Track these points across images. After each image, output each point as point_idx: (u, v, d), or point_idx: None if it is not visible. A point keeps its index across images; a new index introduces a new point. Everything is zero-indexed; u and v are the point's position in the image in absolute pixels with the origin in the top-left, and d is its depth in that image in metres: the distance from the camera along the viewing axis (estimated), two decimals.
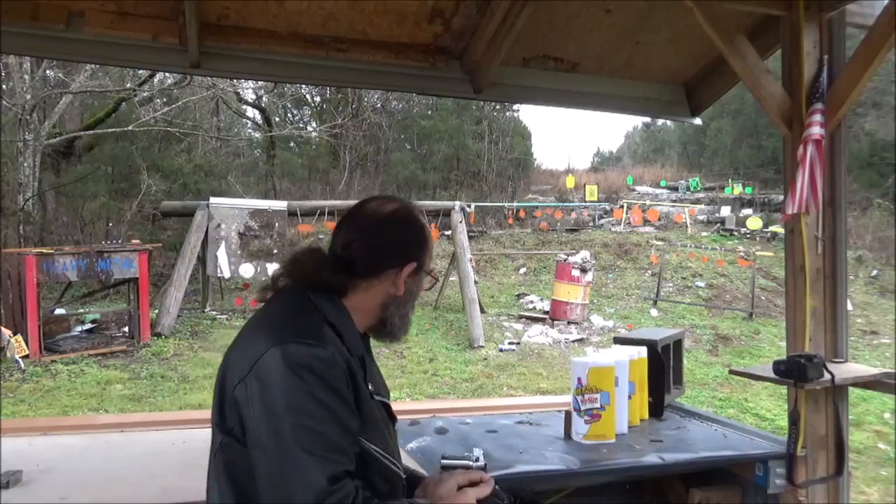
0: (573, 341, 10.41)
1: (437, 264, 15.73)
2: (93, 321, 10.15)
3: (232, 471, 1.24)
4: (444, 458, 1.99)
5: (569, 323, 11.31)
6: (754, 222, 17.27)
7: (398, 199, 1.45)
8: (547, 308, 12.03)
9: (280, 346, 1.19)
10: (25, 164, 13.34)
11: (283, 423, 1.15)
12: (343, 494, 1.13)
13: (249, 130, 22.93)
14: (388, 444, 1.34)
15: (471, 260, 11.52)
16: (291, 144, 22.80)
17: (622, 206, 18.69)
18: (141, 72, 14.63)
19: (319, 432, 1.16)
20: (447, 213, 11.74)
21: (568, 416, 2.40)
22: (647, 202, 20.14)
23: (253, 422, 1.18)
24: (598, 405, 2.31)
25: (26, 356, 8.29)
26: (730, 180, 21.02)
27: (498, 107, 23.09)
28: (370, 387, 1.32)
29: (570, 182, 21.21)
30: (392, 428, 1.43)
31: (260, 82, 17.17)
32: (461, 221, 11.60)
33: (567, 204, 19.94)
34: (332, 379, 1.19)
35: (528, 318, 11.81)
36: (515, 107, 23.64)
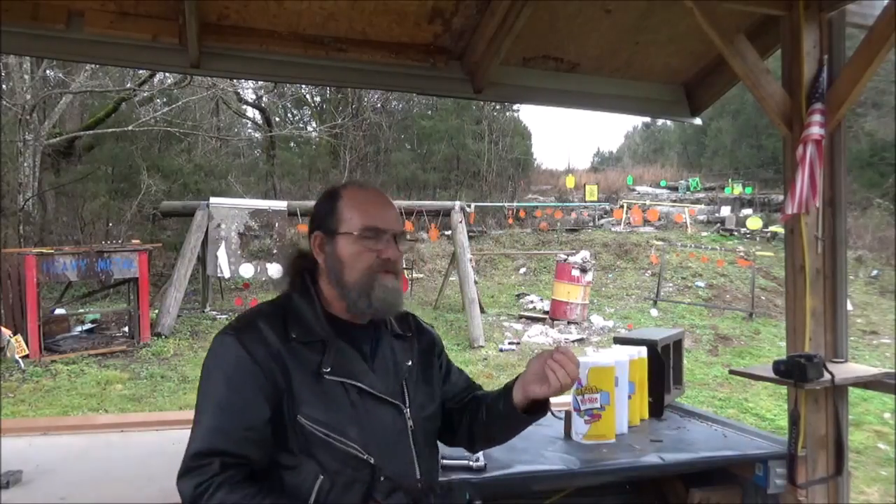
0: (573, 341, 10.41)
1: (437, 264, 15.76)
2: (93, 321, 10.16)
3: None
4: (443, 458, 1.99)
5: (569, 323, 11.31)
6: (754, 222, 17.27)
7: (337, 184, 1.57)
8: (547, 308, 12.03)
9: (219, 335, 1.39)
10: (25, 164, 13.33)
11: (197, 397, 1.36)
12: (201, 472, 1.26)
13: (249, 130, 22.94)
14: (347, 423, 1.36)
15: (471, 260, 11.52)
16: (291, 144, 22.79)
17: (622, 206, 18.69)
18: (141, 72, 14.63)
19: (203, 412, 1.33)
20: (447, 213, 11.74)
21: (568, 416, 2.40)
22: (647, 202, 20.14)
23: None
24: (598, 405, 2.31)
25: (26, 356, 8.29)
26: (730, 180, 21.02)
27: (498, 107, 23.09)
28: (326, 368, 1.37)
29: (570, 182, 21.20)
30: (382, 410, 1.42)
31: (260, 82, 17.18)
32: (461, 221, 11.59)
33: (567, 204, 19.94)
34: (232, 369, 1.33)
35: (528, 318, 11.81)
36: (515, 107, 23.66)
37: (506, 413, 1.51)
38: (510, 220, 17.80)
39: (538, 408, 1.50)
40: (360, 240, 1.42)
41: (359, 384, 1.39)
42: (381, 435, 1.39)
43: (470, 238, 13.24)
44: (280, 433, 1.34)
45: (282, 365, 1.34)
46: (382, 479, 1.35)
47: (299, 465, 1.33)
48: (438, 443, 1.63)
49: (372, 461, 1.36)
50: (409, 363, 1.52)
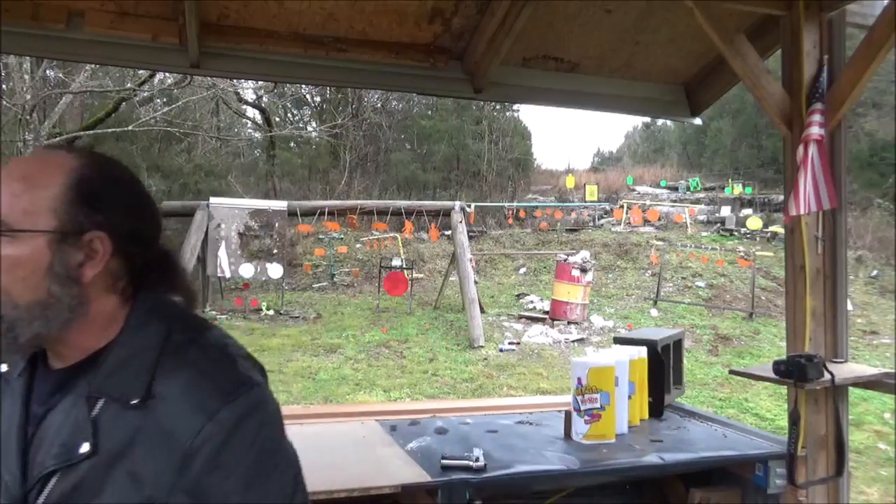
0: (573, 341, 10.41)
1: (437, 264, 15.75)
2: None
3: None
4: (444, 457, 2.00)
5: (569, 323, 11.31)
6: (754, 222, 17.27)
7: None
8: (547, 308, 12.03)
9: None
10: None
11: None
12: None
13: (249, 130, 22.95)
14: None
15: (471, 260, 11.52)
16: (291, 144, 22.79)
17: (622, 206, 18.68)
18: (141, 72, 14.62)
19: None
20: (447, 213, 11.74)
21: (568, 416, 2.40)
22: (647, 202, 20.12)
23: None
24: (598, 405, 2.31)
25: None
26: (730, 180, 21.00)
27: (498, 107, 23.09)
28: None
29: (570, 182, 21.19)
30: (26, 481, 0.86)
31: (260, 82, 17.17)
32: (461, 221, 11.59)
33: (567, 204, 19.93)
34: None
35: (528, 318, 11.81)
36: (515, 107, 23.66)
37: None
38: (510, 220, 17.80)
39: None
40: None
41: None
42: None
43: (470, 238, 13.24)
44: None
45: None
46: None
47: None
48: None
49: None
50: (85, 449, 0.85)
